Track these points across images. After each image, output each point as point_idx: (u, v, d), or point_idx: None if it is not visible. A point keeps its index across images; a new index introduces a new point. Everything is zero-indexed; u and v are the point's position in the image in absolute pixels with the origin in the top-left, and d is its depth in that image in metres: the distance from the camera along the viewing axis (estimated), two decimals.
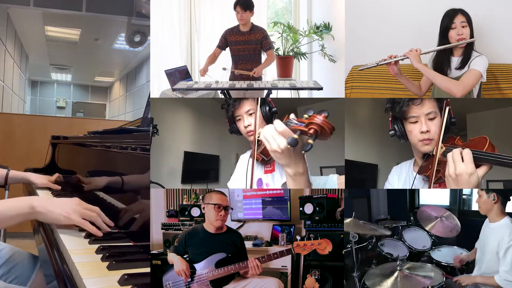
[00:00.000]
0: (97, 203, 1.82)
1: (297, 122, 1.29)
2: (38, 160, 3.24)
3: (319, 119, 1.18)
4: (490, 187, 2.02)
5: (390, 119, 1.50)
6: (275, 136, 1.23)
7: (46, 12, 6.35)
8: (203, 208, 1.86)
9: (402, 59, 2.28)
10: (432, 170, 1.35)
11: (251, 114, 1.63)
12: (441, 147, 1.36)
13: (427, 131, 1.41)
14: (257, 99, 1.57)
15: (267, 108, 1.64)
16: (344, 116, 2.31)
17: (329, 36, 3.80)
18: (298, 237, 2.25)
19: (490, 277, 1.57)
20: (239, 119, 1.67)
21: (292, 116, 1.38)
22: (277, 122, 1.26)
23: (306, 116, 1.24)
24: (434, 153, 1.37)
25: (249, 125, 1.63)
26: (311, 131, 1.18)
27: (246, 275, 1.70)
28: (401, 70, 2.33)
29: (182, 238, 1.81)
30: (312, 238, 1.73)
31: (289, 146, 1.18)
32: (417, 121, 1.43)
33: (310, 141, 1.17)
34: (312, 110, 1.25)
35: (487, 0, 2.58)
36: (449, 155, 1.24)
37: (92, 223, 1.35)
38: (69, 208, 1.33)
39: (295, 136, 1.18)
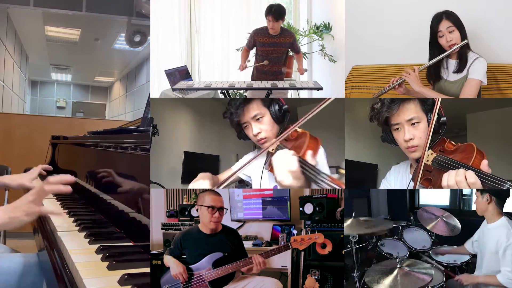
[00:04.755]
0: (97, 203, 1.82)
1: (311, 169, 1.24)
2: (38, 160, 3.23)
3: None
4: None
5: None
6: (285, 173, 1.25)
7: (46, 12, 6.34)
8: (197, 209, 1.78)
9: (401, 82, 2.25)
10: (416, 179, 1.31)
11: (258, 119, 1.50)
12: (431, 153, 1.31)
13: (411, 138, 1.35)
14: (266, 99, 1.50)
15: (277, 107, 1.50)
16: (344, 116, 2.30)
17: (329, 36, 3.80)
18: (295, 231, 2.23)
19: (492, 276, 1.57)
20: (246, 126, 1.54)
21: (309, 155, 1.29)
22: (292, 162, 1.25)
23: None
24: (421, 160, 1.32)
25: (258, 132, 1.50)
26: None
27: (250, 271, 1.67)
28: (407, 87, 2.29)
29: (177, 240, 1.76)
30: (309, 232, 1.69)
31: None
32: (400, 129, 1.38)
33: None
34: None
35: (487, 0, 2.57)
36: (452, 178, 1.17)
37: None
38: (20, 211, 1.24)
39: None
